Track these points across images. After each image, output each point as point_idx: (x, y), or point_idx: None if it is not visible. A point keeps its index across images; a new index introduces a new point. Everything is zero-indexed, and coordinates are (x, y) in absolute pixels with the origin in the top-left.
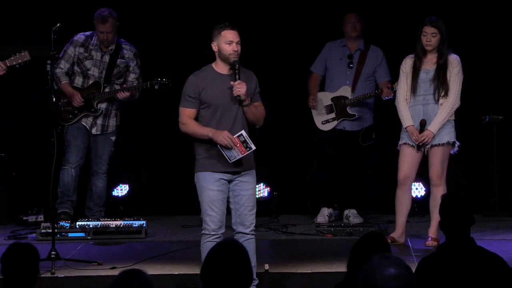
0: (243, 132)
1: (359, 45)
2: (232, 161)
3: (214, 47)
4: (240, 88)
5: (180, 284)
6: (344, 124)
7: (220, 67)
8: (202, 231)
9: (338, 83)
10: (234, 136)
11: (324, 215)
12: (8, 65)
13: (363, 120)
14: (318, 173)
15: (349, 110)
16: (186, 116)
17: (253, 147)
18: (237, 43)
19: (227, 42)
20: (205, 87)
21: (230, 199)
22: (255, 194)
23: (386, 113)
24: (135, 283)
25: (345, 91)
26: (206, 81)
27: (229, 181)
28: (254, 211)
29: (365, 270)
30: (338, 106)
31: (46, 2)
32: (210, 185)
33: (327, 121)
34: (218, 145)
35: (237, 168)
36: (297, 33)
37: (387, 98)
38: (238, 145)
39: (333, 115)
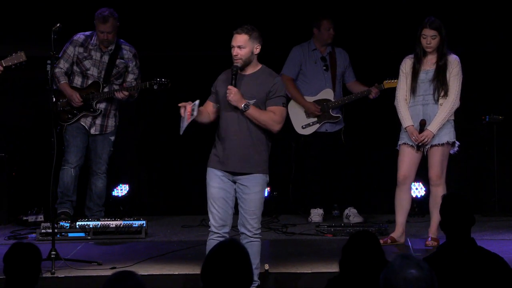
0: (197, 101)
1: (328, 48)
2: (181, 132)
3: None
4: (228, 93)
5: (180, 284)
6: (326, 126)
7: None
8: (208, 228)
9: (317, 87)
10: (191, 105)
11: (319, 214)
12: (4, 65)
13: (341, 121)
14: (307, 175)
15: (332, 112)
16: (203, 106)
17: (195, 114)
18: (238, 47)
19: (231, 46)
20: (220, 85)
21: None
22: (259, 200)
23: (358, 113)
24: (126, 284)
25: (328, 94)
26: (223, 79)
27: (233, 182)
28: (257, 215)
29: (386, 271)
30: (321, 109)
31: (46, 2)
32: (211, 182)
33: (308, 125)
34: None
35: (236, 168)
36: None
37: (374, 97)
38: (188, 113)
39: (314, 118)
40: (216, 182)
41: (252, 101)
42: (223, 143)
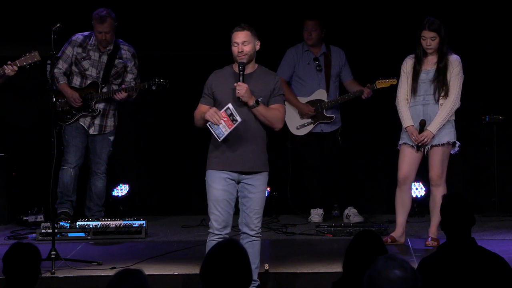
0: (229, 105)
1: (322, 48)
2: (221, 138)
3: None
4: (239, 89)
5: (180, 284)
6: (321, 126)
7: (236, 67)
8: (208, 229)
9: (311, 88)
10: (221, 111)
11: (319, 214)
12: (19, 65)
13: (337, 121)
14: (305, 176)
15: (326, 112)
16: (198, 110)
17: (239, 119)
18: (242, 43)
19: (234, 43)
20: (218, 85)
21: (238, 199)
22: (263, 198)
23: (355, 114)
24: (130, 283)
25: (321, 94)
26: (221, 79)
27: (237, 182)
28: (261, 214)
29: (370, 272)
30: (315, 109)
31: (46, 2)
32: (215, 184)
33: (302, 126)
34: (207, 124)
35: (244, 167)
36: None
37: (367, 97)
38: (225, 119)
39: (308, 119)
40: (220, 184)
41: (260, 98)
42: (228, 143)
